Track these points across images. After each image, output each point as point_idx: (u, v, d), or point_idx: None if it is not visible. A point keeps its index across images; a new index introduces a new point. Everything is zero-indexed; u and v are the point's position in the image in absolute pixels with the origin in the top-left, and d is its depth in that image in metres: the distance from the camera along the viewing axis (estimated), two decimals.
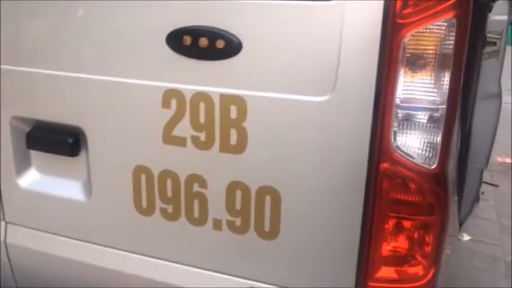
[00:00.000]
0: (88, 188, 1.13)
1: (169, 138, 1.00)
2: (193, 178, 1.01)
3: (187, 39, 0.92)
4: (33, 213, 1.21)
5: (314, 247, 0.97)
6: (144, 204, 1.07)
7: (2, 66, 1.12)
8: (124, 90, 1.01)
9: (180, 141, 0.99)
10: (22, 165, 1.19)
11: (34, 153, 1.19)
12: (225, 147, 0.96)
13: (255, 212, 0.98)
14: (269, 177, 0.95)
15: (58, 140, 1.12)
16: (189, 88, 0.96)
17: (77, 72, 1.05)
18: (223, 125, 0.95)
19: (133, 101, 1.01)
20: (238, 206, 0.99)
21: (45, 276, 1.25)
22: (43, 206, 1.19)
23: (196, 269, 1.08)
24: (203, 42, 0.92)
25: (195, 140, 0.98)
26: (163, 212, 1.06)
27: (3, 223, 1.27)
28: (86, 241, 1.17)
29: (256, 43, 0.90)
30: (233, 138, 0.95)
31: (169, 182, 1.03)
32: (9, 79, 1.12)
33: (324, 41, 0.86)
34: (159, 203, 1.06)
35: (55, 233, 1.20)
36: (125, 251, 1.13)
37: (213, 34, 0.91)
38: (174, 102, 0.97)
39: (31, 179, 1.20)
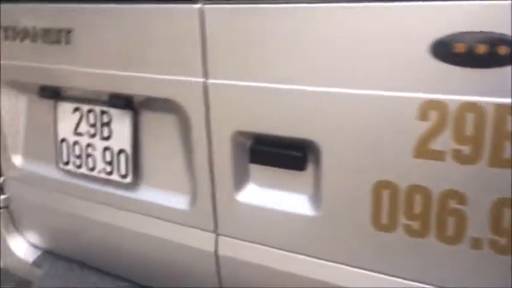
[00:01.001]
0: (316, 201, 1.11)
1: (423, 152, 0.94)
2: (449, 194, 0.94)
3: (460, 47, 0.85)
4: (250, 226, 1.21)
5: None
6: (384, 219, 1.02)
7: (223, 82, 1.12)
8: (371, 103, 0.96)
9: (437, 155, 0.93)
10: (241, 179, 1.19)
11: (254, 167, 1.18)
12: (496, 162, 0.88)
13: None
14: None
15: (287, 154, 1.10)
16: (455, 99, 0.89)
17: (315, 86, 1.01)
18: (496, 138, 0.87)
19: (381, 113, 0.96)
20: (505, 224, 0.91)
21: None
22: (261, 219, 1.18)
23: None
24: (481, 48, 0.84)
25: (457, 154, 0.91)
26: (407, 228, 1.00)
27: (213, 235, 1.28)
28: (309, 255, 1.14)
29: None
30: (508, 152, 0.87)
31: (417, 197, 0.98)
32: (231, 94, 1.12)
33: None
34: (402, 219, 1.00)
35: (273, 246, 1.19)
36: (356, 267, 1.09)
37: (494, 40, 0.83)
38: (433, 114, 0.91)
39: (250, 192, 1.19)
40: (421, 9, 0.88)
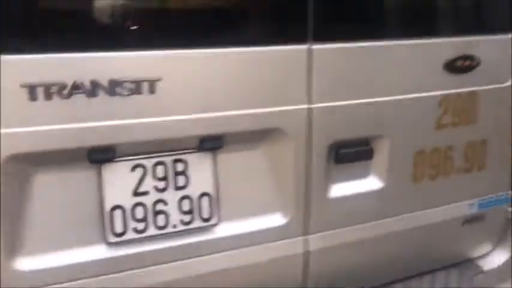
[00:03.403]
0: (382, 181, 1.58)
1: None
2: None
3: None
4: (336, 215, 1.54)
5: None
6: None
7: (324, 104, 1.42)
8: None
9: None
10: (328, 179, 1.50)
11: (334, 167, 1.51)
12: None
13: None
14: None
15: (363, 150, 1.52)
16: None
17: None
18: None
19: None
20: None
21: None
22: (344, 208, 1.54)
23: None
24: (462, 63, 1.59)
25: None
26: None
27: (303, 237, 1.51)
28: None
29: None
30: None
31: None
32: (330, 113, 1.43)
33: None
34: None
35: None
36: None
37: (467, 57, 1.59)
38: None
39: (337, 188, 1.52)
40: None
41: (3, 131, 1.12)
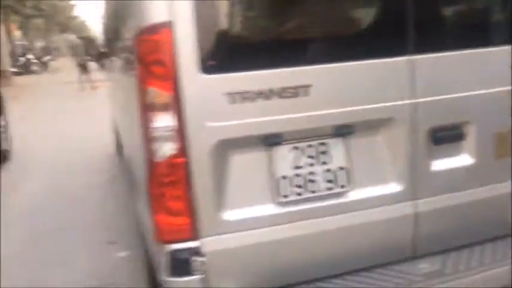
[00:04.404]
0: None
1: None
2: None
3: None
4: (439, 182, 2.01)
5: None
6: None
7: (427, 99, 1.93)
8: None
9: None
10: (428, 153, 1.98)
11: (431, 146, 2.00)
12: None
13: None
14: None
15: (457, 133, 2.00)
16: None
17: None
18: None
19: None
20: None
21: None
22: (444, 177, 2.01)
23: None
24: None
25: None
26: None
27: (412, 201, 1.99)
28: None
29: None
30: None
31: None
32: (432, 104, 1.94)
33: None
34: None
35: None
36: None
37: None
38: None
39: (439, 161, 2.00)
40: None
41: (213, 124, 1.71)
